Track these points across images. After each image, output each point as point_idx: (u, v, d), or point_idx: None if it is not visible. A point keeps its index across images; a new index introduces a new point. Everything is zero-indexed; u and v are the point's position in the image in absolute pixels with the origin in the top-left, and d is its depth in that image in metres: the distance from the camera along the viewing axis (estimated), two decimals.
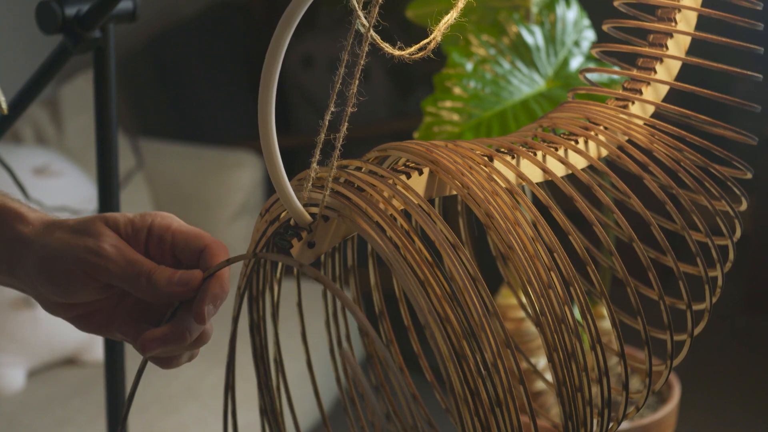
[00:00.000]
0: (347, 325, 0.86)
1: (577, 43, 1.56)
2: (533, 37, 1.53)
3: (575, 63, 1.54)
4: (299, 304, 0.82)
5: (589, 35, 1.57)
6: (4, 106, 0.68)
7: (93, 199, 2.14)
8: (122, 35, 2.81)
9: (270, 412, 0.80)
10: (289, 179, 0.70)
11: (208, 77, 3.01)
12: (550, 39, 1.54)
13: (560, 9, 1.56)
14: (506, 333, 0.63)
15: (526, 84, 1.50)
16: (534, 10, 1.56)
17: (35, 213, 0.72)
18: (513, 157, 0.74)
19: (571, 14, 1.57)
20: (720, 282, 0.78)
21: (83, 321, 0.73)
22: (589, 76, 0.94)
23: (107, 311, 0.72)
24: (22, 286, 0.72)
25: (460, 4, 0.66)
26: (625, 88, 0.82)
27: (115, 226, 0.70)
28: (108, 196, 1.12)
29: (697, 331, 0.76)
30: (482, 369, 0.61)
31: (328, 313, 0.84)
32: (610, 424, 0.73)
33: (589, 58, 1.55)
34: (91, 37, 1.02)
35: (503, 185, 0.69)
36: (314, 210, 0.67)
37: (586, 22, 1.58)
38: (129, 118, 3.02)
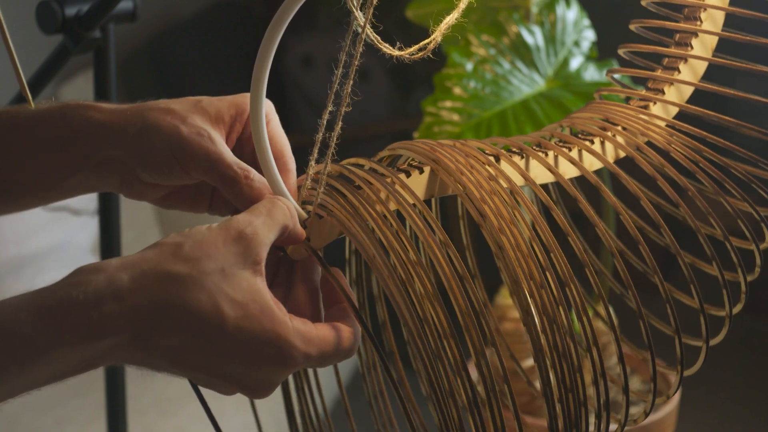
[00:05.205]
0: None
1: (577, 43, 1.56)
2: (533, 37, 1.53)
3: (575, 63, 1.54)
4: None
5: (589, 35, 1.57)
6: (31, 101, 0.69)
7: (93, 198, 2.14)
8: (122, 35, 2.81)
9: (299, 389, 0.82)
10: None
11: (208, 77, 3.00)
12: (550, 39, 1.54)
13: (560, 9, 1.56)
14: (492, 332, 0.63)
15: (526, 84, 1.50)
16: (534, 10, 1.56)
17: (110, 104, 0.72)
18: (522, 157, 0.73)
19: (571, 14, 1.57)
20: (744, 288, 0.75)
21: (170, 200, 0.73)
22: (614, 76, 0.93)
23: (200, 190, 0.72)
24: (103, 180, 0.71)
25: (462, 5, 0.66)
26: (648, 88, 0.81)
27: (217, 117, 0.70)
28: (108, 196, 1.12)
29: (716, 340, 0.74)
30: (461, 369, 0.61)
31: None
32: (613, 427, 0.72)
33: (589, 57, 1.55)
34: (91, 37, 1.02)
35: (504, 185, 0.69)
36: (311, 207, 0.68)
37: (586, 22, 1.58)
38: None
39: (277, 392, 0.87)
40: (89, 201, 2.15)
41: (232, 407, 1.97)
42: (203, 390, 0.66)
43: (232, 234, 0.61)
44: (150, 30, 3.00)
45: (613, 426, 0.73)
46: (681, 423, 1.60)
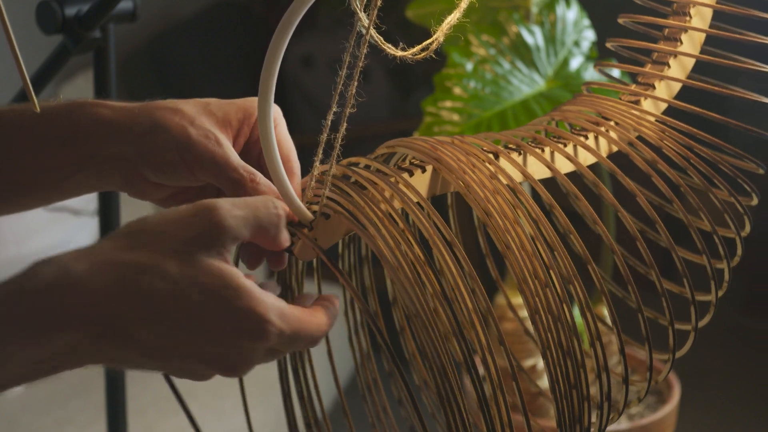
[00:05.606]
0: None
1: (577, 43, 1.56)
2: (533, 37, 1.53)
3: (575, 63, 1.54)
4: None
5: (589, 35, 1.57)
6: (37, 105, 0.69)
7: (93, 198, 2.14)
8: (122, 35, 2.81)
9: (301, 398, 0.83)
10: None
11: (208, 77, 3.00)
12: (550, 39, 1.54)
13: (560, 9, 1.56)
14: (499, 331, 0.63)
15: (526, 84, 1.50)
16: (534, 10, 1.56)
17: (119, 102, 0.71)
18: (519, 154, 0.73)
19: (571, 14, 1.57)
20: (727, 276, 0.77)
21: (173, 201, 0.72)
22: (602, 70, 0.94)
23: (204, 192, 0.71)
24: (105, 179, 0.70)
25: (463, 5, 0.66)
26: (638, 83, 0.81)
27: (225, 120, 0.70)
28: (108, 195, 1.12)
29: (702, 323, 0.76)
30: (470, 366, 0.62)
31: (346, 303, 0.86)
32: (611, 415, 0.73)
33: (589, 57, 1.55)
34: (91, 37, 1.02)
35: (506, 183, 0.69)
36: (316, 207, 0.68)
37: (586, 22, 1.58)
38: None
39: (278, 392, 0.87)
40: (89, 201, 2.15)
41: (231, 407, 1.97)
42: (191, 390, 0.66)
43: (202, 222, 0.59)
44: (150, 30, 3.00)
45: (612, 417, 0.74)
46: (681, 423, 1.60)
